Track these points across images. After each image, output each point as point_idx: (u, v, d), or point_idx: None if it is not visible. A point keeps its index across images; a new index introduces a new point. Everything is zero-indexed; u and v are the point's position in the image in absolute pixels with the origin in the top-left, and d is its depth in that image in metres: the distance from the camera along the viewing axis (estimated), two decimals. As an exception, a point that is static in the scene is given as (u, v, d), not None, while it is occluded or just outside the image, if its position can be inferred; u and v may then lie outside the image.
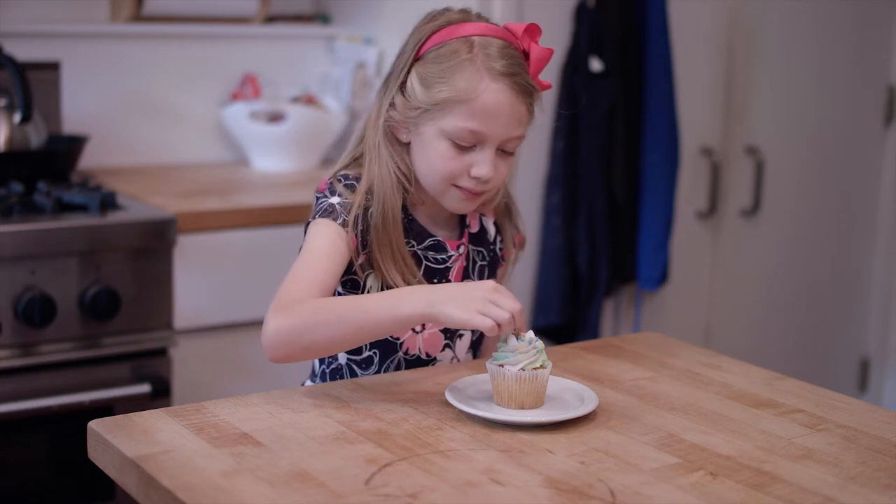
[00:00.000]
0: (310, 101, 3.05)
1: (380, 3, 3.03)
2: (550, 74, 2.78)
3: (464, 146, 1.56)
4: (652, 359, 1.72)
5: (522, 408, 1.45)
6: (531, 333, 1.47)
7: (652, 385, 1.60)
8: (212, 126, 3.04)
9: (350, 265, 1.60)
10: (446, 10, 1.63)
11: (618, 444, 1.37)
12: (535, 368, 1.44)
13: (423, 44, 1.59)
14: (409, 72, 1.60)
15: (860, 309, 3.57)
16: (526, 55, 1.59)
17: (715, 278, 3.21)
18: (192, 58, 2.99)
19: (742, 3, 3.10)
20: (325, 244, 1.55)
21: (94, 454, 1.38)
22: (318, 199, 1.61)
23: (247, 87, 3.03)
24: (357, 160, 1.66)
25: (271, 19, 3.15)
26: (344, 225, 1.57)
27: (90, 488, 2.31)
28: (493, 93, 1.54)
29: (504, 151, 1.59)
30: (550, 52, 1.60)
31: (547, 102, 2.77)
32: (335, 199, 1.59)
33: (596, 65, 2.78)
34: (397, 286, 1.59)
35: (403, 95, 1.60)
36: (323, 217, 1.58)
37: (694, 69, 3.01)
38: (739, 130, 3.17)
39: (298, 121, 2.92)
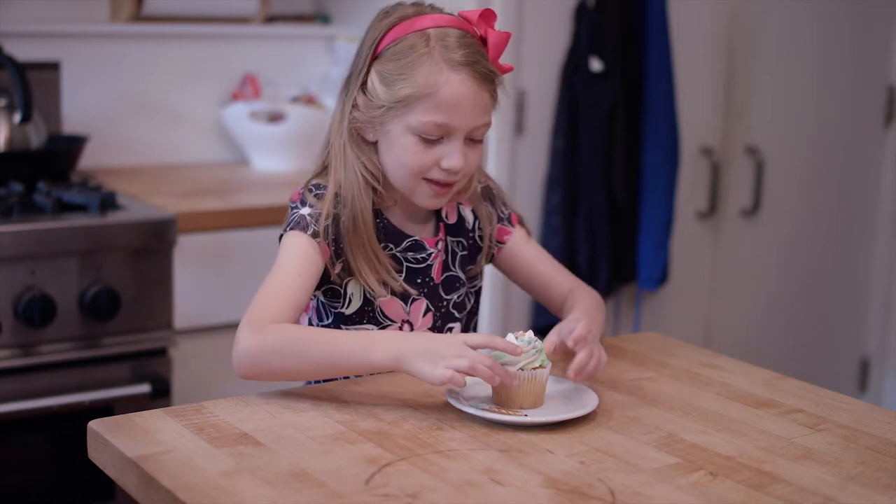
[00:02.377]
0: (310, 101, 3.05)
1: (380, 3, 3.02)
2: (550, 74, 2.79)
3: (431, 140, 1.55)
4: (652, 359, 1.72)
5: (522, 407, 1.45)
6: (530, 333, 1.47)
7: (652, 385, 1.60)
8: (212, 126, 3.04)
9: (327, 274, 1.59)
10: (399, 4, 1.62)
11: (618, 444, 1.37)
12: (535, 368, 1.44)
13: (379, 41, 1.58)
14: (368, 71, 1.59)
15: (860, 309, 3.57)
16: (484, 41, 1.58)
17: (715, 278, 3.21)
18: (192, 58, 2.99)
19: (742, 3, 3.10)
20: (297, 260, 1.55)
21: (94, 454, 1.38)
22: (291, 208, 1.61)
23: (247, 87, 3.03)
24: (327, 169, 1.64)
25: (271, 19, 3.15)
26: (315, 236, 1.56)
27: (90, 488, 2.31)
28: (455, 84, 1.53)
29: (472, 140, 1.58)
30: (508, 36, 1.59)
31: (547, 102, 2.80)
32: (305, 210, 1.59)
33: (596, 65, 2.78)
34: (375, 292, 1.60)
35: (365, 95, 1.59)
36: (294, 229, 1.57)
37: (694, 69, 3.01)
38: (739, 130, 3.17)
39: (298, 121, 2.92)
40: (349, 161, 1.60)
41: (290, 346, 1.46)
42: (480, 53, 1.56)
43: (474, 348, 1.42)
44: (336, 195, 1.59)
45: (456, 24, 1.58)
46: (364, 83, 1.59)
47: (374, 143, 1.61)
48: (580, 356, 1.51)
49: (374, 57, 1.58)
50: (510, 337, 1.47)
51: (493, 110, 1.59)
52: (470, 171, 1.61)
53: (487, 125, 1.58)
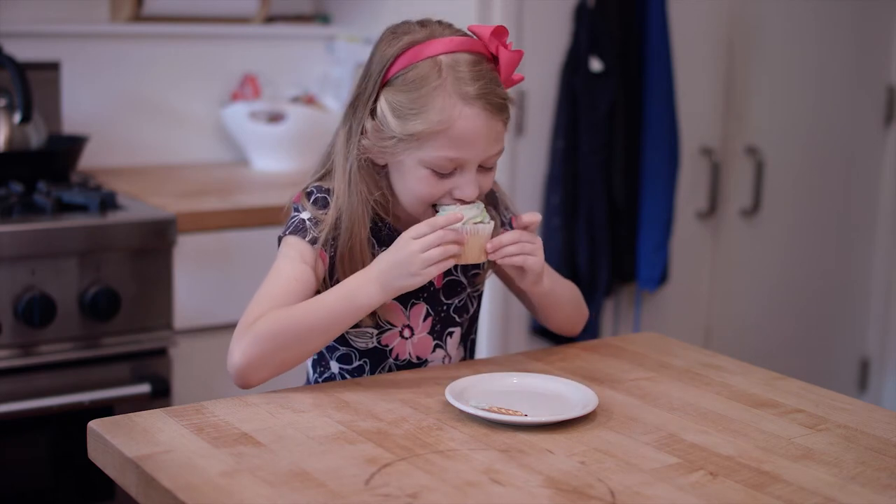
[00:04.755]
0: (310, 101, 3.05)
1: (380, 3, 3.03)
2: (550, 74, 2.79)
3: (444, 173, 1.54)
4: (652, 359, 1.72)
5: (467, 262, 1.52)
6: None
7: (652, 385, 1.60)
8: (212, 126, 3.04)
9: (325, 281, 1.59)
10: (406, 23, 1.58)
11: (618, 444, 1.37)
12: (477, 223, 1.51)
13: (389, 67, 1.54)
14: (377, 98, 1.55)
15: (860, 309, 3.57)
16: (495, 59, 1.56)
17: (715, 278, 3.21)
18: (192, 58, 2.99)
19: (742, 3, 3.10)
20: (293, 268, 1.55)
21: (94, 454, 1.38)
22: (293, 209, 1.61)
23: (247, 87, 3.03)
24: (330, 173, 1.63)
25: (271, 19, 3.15)
26: (313, 242, 1.57)
27: (90, 488, 2.31)
28: (469, 119, 1.51)
29: (484, 168, 1.57)
30: (520, 55, 1.57)
31: (547, 102, 2.80)
32: (305, 215, 1.59)
33: (596, 65, 2.78)
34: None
35: (374, 120, 1.56)
36: (293, 234, 1.58)
37: (694, 69, 3.01)
38: (739, 130, 3.17)
39: (298, 121, 2.92)
40: (355, 187, 1.58)
41: (284, 336, 1.48)
42: (493, 80, 1.54)
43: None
44: (336, 221, 1.58)
45: (467, 46, 1.54)
46: (373, 110, 1.56)
47: (384, 166, 1.59)
48: (506, 234, 1.55)
49: (384, 83, 1.55)
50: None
51: (505, 135, 1.58)
52: (482, 195, 1.60)
53: (500, 152, 1.57)
